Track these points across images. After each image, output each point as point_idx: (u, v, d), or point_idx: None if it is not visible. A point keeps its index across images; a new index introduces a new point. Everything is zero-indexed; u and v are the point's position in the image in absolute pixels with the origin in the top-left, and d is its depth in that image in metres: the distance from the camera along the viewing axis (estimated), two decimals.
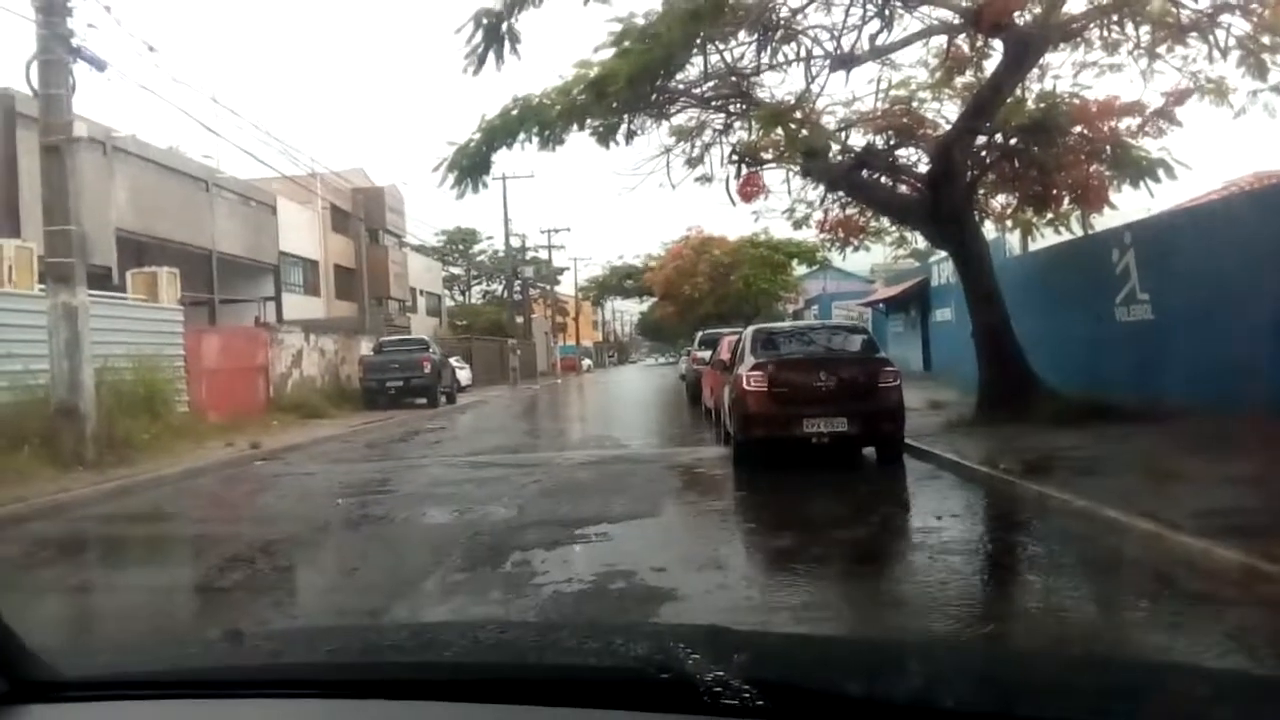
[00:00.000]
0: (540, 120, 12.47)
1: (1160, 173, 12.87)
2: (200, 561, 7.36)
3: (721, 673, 1.14)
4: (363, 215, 38.90)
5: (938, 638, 4.24)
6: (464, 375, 32.64)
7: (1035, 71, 12.70)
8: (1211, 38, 10.96)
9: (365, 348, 26.64)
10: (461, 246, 69.96)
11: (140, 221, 22.81)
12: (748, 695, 1.09)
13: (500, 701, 1.19)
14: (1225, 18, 10.80)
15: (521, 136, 12.69)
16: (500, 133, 12.72)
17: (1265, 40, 10.77)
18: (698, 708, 1.10)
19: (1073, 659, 2.14)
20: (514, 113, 12.61)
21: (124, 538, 8.80)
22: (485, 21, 11.17)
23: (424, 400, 24.37)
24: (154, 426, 13.77)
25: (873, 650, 1.73)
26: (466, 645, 1.50)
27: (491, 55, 11.29)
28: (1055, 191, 14.02)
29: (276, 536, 7.94)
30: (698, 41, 11.50)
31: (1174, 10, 10.96)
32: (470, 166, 13.03)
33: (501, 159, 13.43)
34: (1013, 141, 13.56)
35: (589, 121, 12.69)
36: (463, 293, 71.08)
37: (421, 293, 49.31)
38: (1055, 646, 4.31)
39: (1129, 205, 14.39)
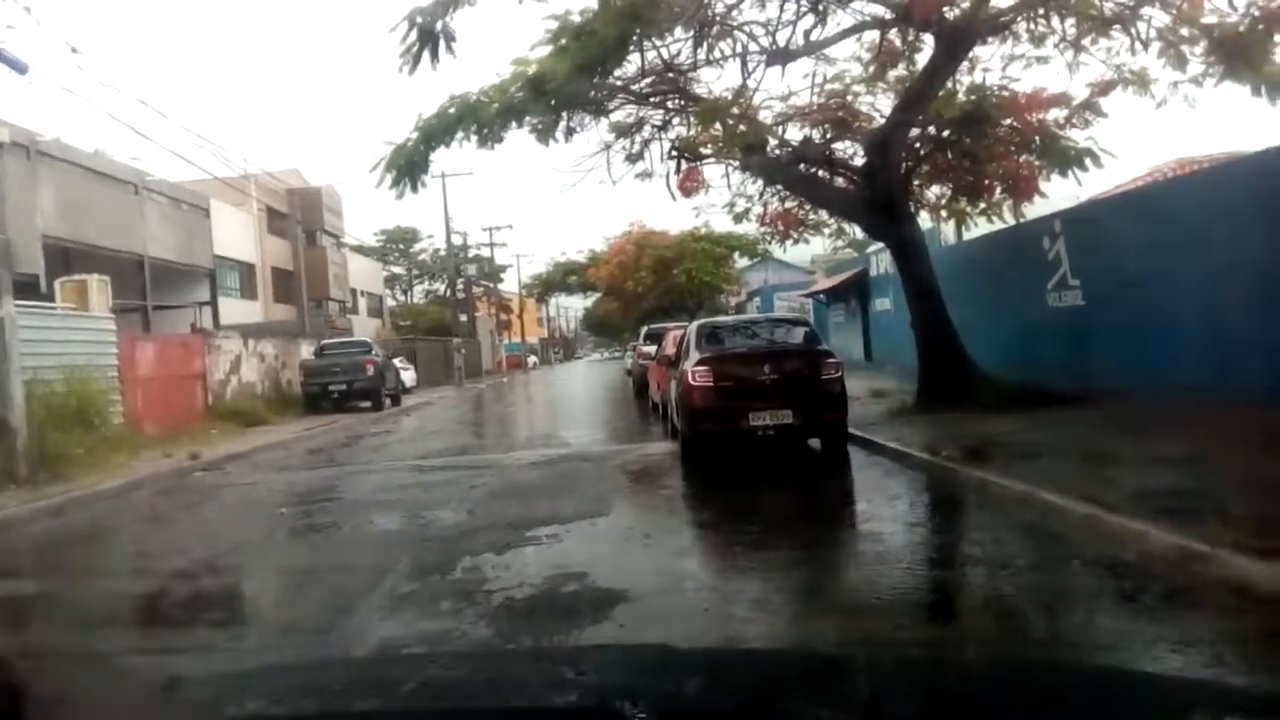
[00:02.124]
0: (478, 119, 12.38)
1: (1087, 162, 13.21)
2: (139, 581, 7.18)
3: (658, 717, 1.14)
4: (299, 216, 38.22)
5: (884, 647, 4.30)
6: (408, 376, 32.29)
7: (965, 64, 12.94)
8: (1133, 30, 11.26)
9: (306, 351, 26.21)
10: (402, 246, 69.22)
11: (68, 227, 22.16)
12: None
13: None
14: (1146, 10, 11.10)
15: (460, 135, 12.60)
16: (438, 132, 12.61)
17: (1184, 33, 11.09)
18: None
19: (1016, 665, 2.19)
20: (451, 111, 12.50)
21: (58, 558, 8.55)
22: (419, 21, 11.04)
23: (368, 403, 24.05)
24: (88, 440, 13.41)
25: (822, 664, 1.75)
26: (413, 686, 1.48)
27: (426, 55, 11.16)
28: (987, 181, 14.34)
29: (218, 551, 7.79)
30: (634, 38, 11.51)
31: (1097, 4, 11.23)
32: (408, 166, 12.90)
33: (440, 157, 13.33)
34: (945, 133, 13.81)
35: (528, 119, 12.63)
36: (405, 292, 70.35)
37: (362, 294, 48.69)
38: (997, 640, 4.41)
39: (1058, 194, 14.79)
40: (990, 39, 12.32)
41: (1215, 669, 3.69)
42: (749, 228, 19.60)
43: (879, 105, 14.36)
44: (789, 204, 16.54)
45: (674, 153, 14.48)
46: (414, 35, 11.07)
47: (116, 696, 1.60)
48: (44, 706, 1.50)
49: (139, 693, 1.67)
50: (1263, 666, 3.79)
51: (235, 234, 33.83)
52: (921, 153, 14.31)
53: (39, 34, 31.83)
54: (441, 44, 11.15)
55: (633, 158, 14.56)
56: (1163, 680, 2.23)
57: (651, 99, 13.93)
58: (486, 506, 8.95)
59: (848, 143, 14.75)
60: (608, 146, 14.31)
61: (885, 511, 7.66)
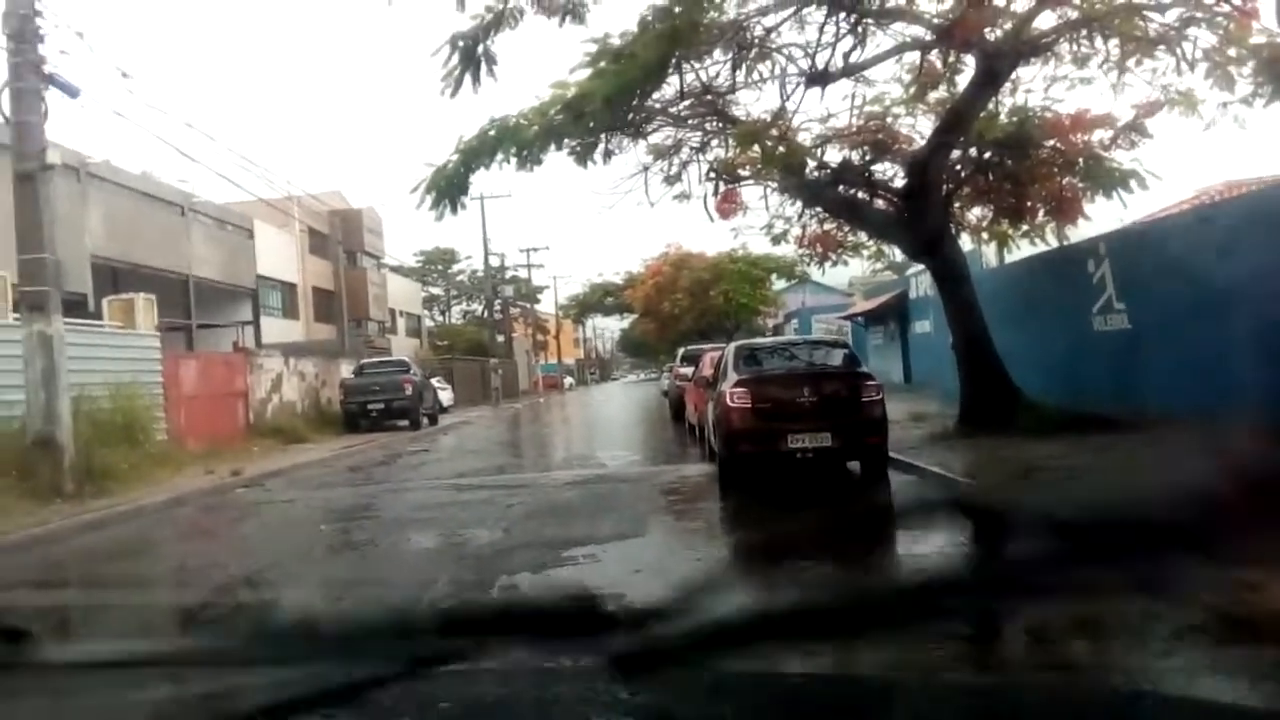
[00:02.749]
0: (517, 141, 12.48)
1: (1132, 183, 13.03)
2: (180, 594, 7.24)
3: None
4: (340, 237, 38.74)
5: (924, 673, 4.22)
6: (445, 396, 32.51)
7: (1007, 86, 12.85)
8: (1179, 51, 11.11)
9: (345, 370, 26.50)
10: (440, 267, 69.86)
11: (116, 248, 22.65)
12: None
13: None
14: (1192, 31, 10.96)
15: (499, 157, 12.69)
16: (478, 154, 12.72)
17: (1231, 53, 10.93)
18: None
19: (1057, 691, 2.13)
20: (491, 134, 12.61)
21: (102, 571, 8.67)
22: (461, 44, 11.19)
23: (405, 422, 24.23)
24: (133, 455, 13.63)
25: (857, 690, 1.71)
26: (449, 702, 1.49)
27: (468, 78, 11.30)
28: (1030, 204, 14.18)
29: (259, 566, 7.86)
30: (673, 61, 11.55)
31: (1142, 24, 11.12)
32: (448, 187, 13.01)
33: (479, 179, 13.43)
34: (987, 155, 13.70)
35: (566, 141, 12.71)
36: (443, 313, 70.91)
37: (401, 314, 49.16)
38: (1041, 670, 4.31)
39: (1102, 216, 14.57)
40: (1032, 60, 12.23)
41: (1261, 698, 3.58)
42: (787, 249, 19.54)
43: (919, 127, 14.30)
44: (827, 226, 16.46)
45: (712, 174, 14.50)
46: (456, 59, 11.21)
47: (143, 704, 1.59)
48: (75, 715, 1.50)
49: (168, 702, 1.66)
50: None
51: (278, 254, 34.37)
52: (963, 174, 14.21)
53: (91, 59, 32.61)
54: (482, 67, 11.28)
55: (670, 179, 14.62)
56: (1210, 706, 2.16)
57: (690, 121, 13.97)
58: (523, 526, 8.95)
59: (887, 164, 14.68)
60: (645, 168, 14.38)
61: (927, 536, 7.53)
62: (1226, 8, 10.64)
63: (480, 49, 11.24)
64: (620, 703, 1.37)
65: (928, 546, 7.06)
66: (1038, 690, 2.26)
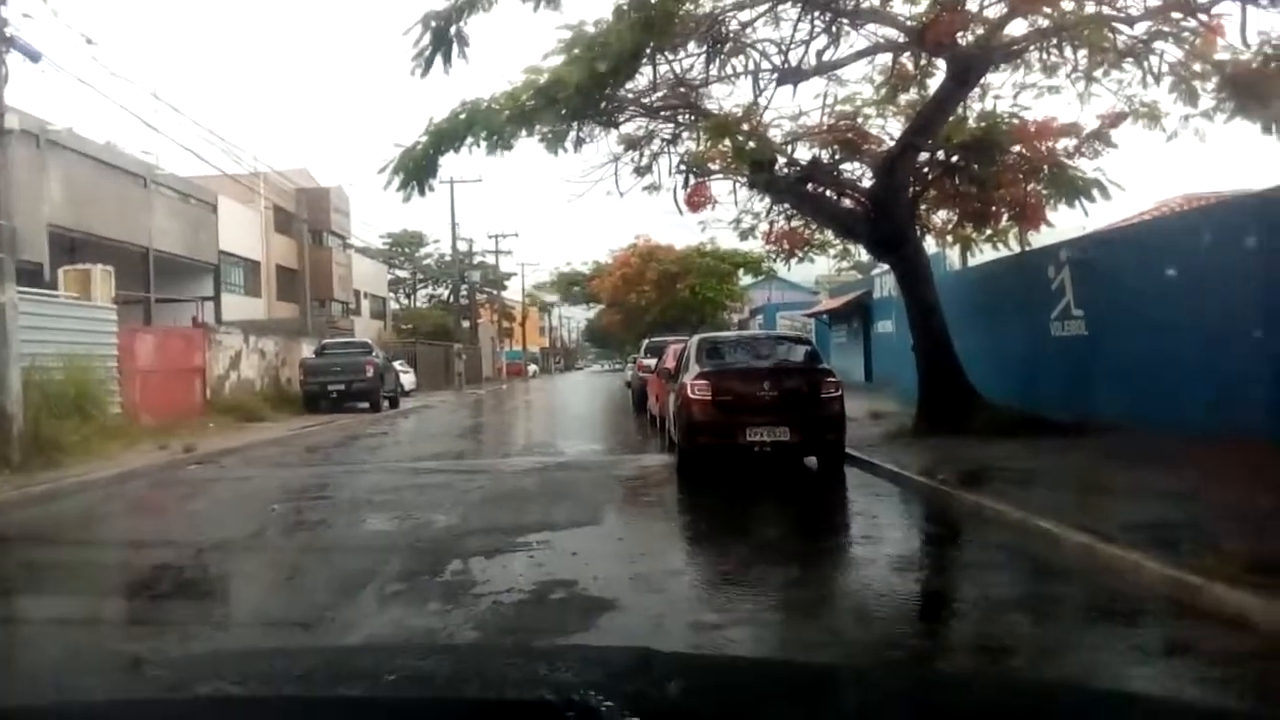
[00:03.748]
0: (488, 125, 12.38)
1: (1095, 193, 13.20)
2: (126, 570, 7.16)
3: (629, 713, 1.11)
4: (306, 216, 38.30)
5: (872, 661, 4.28)
6: (408, 380, 32.28)
7: (976, 91, 12.97)
8: (1146, 64, 11.29)
9: (306, 350, 26.20)
10: (407, 250, 69.22)
11: (74, 217, 22.21)
12: None
13: None
14: (1159, 45, 11.12)
15: (469, 140, 12.58)
16: (448, 136, 12.60)
17: (1196, 68, 11.12)
18: None
19: (1008, 683, 2.16)
20: (462, 116, 12.50)
21: (47, 544, 8.50)
22: (433, 24, 11.06)
23: (366, 404, 24.03)
24: (84, 428, 13.39)
25: (805, 676, 1.72)
26: (378, 677, 1.45)
27: (439, 58, 11.17)
28: (994, 209, 14.35)
29: (208, 544, 7.75)
30: (647, 51, 11.53)
31: (1110, 36, 11.26)
32: (416, 169, 12.87)
33: (449, 163, 13.30)
34: (954, 159, 13.82)
35: (538, 128, 12.62)
36: (408, 296, 70.32)
37: (366, 295, 48.72)
38: (989, 663, 4.37)
39: (1065, 223, 14.76)
40: (1002, 66, 12.35)
41: (1204, 696, 3.66)
42: (754, 245, 19.62)
43: (889, 128, 14.38)
44: (795, 223, 16.54)
45: (682, 167, 14.49)
46: (427, 38, 11.08)
47: (88, 675, 1.57)
48: (14, 682, 1.48)
49: (111, 671, 1.64)
50: (1255, 695, 3.76)
51: (241, 231, 33.90)
52: (929, 177, 14.33)
53: (54, 24, 31.87)
54: (454, 48, 11.16)
55: (641, 170, 14.57)
56: (1150, 701, 2.21)
57: (662, 112, 13.94)
58: (479, 511, 8.92)
59: (856, 164, 14.76)
60: (616, 158, 14.33)
61: (878, 533, 7.63)
62: (1193, 23, 10.81)
63: (453, 30, 11.12)
64: (554, 678, 1.36)
65: (876, 549, 7.14)
66: (995, 682, 2.29)
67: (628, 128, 14.16)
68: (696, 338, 12.69)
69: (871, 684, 1.69)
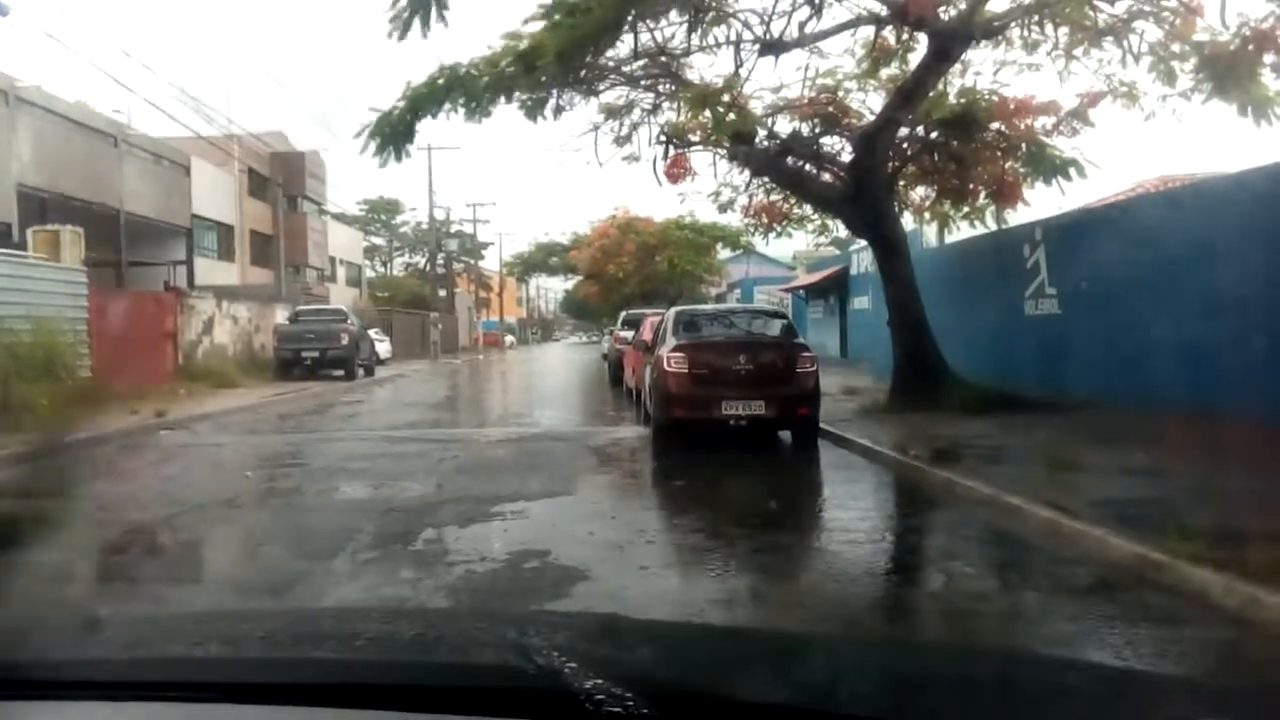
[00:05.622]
0: (467, 91, 12.26)
1: (1072, 172, 13.29)
2: (94, 535, 7.09)
3: (601, 680, 1.11)
4: (281, 180, 37.79)
5: (840, 631, 4.32)
6: (383, 348, 32.12)
7: (957, 67, 12.96)
8: (1125, 43, 11.32)
9: (281, 316, 25.99)
10: (384, 217, 68.67)
11: (43, 177, 21.81)
12: (631, 704, 1.07)
13: (366, 706, 1.14)
14: (1139, 24, 11.15)
15: (447, 106, 12.47)
16: (426, 101, 12.47)
17: (1175, 48, 11.15)
18: (579, 715, 1.08)
19: (974, 652, 2.18)
20: (440, 82, 12.37)
21: (11, 509, 8.41)
22: None
23: (341, 372, 23.91)
24: (53, 392, 13.22)
25: (774, 644, 1.73)
26: (343, 639, 1.44)
27: (418, 21, 11.00)
28: (972, 186, 14.40)
29: (178, 510, 7.71)
30: (628, 19, 11.41)
31: (1091, 14, 11.27)
32: (393, 134, 12.75)
33: (427, 129, 13.19)
34: (933, 135, 13.83)
35: (517, 94, 12.51)
36: (384, 264, 69.85)
37: (341, 262, 48.27)
38: (955, 636, 4.43)
39: (1041, 202, 14.84)
40: (983, 42, 12.33)
41: (1164, 667, 3.73)
42: (733, 219, 19.59)
43: (870, 103, 14.36)
44: (774, 197, 16.54)
45: (662, 138, 14.41)
46: (405, 0, 10.93)
47: (44, 633, 1.55)
48: None
49: (68, 629, 1.61)
50: (1214, 667, 3.84)
51: (215, 194, 33.40)
52: (909, 153, 14.34)
53: None
54: (433, 11, 11.00)
55: (621, 140, 14.49)
56: (1110, 669, 2.24)
57: (643, 82, 13.84)
58: (453, 480, 8.91)
59: (836, 138, 14.74)
60: (596, 128, 14.24)
61: (848, 507, 7.70)
62: (1173, 3, 10.84)
63: None
64: (523, 643, 1.36)
65: (847, 522, 7.20)
66: (961, 650, 2.31)
67: (608, 97, 14.09)
68: (674, 310, 12.69)
69: (838, 652, 1.70)
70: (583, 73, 12.65)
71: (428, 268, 54.05)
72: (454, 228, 58.97)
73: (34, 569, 5.85)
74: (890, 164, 13.77)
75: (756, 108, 13.95)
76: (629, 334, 19.41)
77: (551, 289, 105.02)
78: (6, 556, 6.22)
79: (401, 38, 10.99)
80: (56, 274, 15.95)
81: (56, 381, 13.75)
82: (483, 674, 1.25)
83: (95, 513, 8.16)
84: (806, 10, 11.94)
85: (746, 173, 15.36)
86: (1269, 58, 10.32)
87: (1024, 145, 13.51)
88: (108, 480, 10.12)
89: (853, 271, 26.10)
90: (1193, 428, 8.68)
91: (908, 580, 5.63)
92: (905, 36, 12.93)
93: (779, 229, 17.42)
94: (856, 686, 1.33)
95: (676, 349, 10.43)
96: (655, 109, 14.40)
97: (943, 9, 11.52)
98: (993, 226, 15.22)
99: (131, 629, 1.64)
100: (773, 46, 12.15)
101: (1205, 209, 10.27)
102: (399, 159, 13.06)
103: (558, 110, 13.28)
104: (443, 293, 51.00)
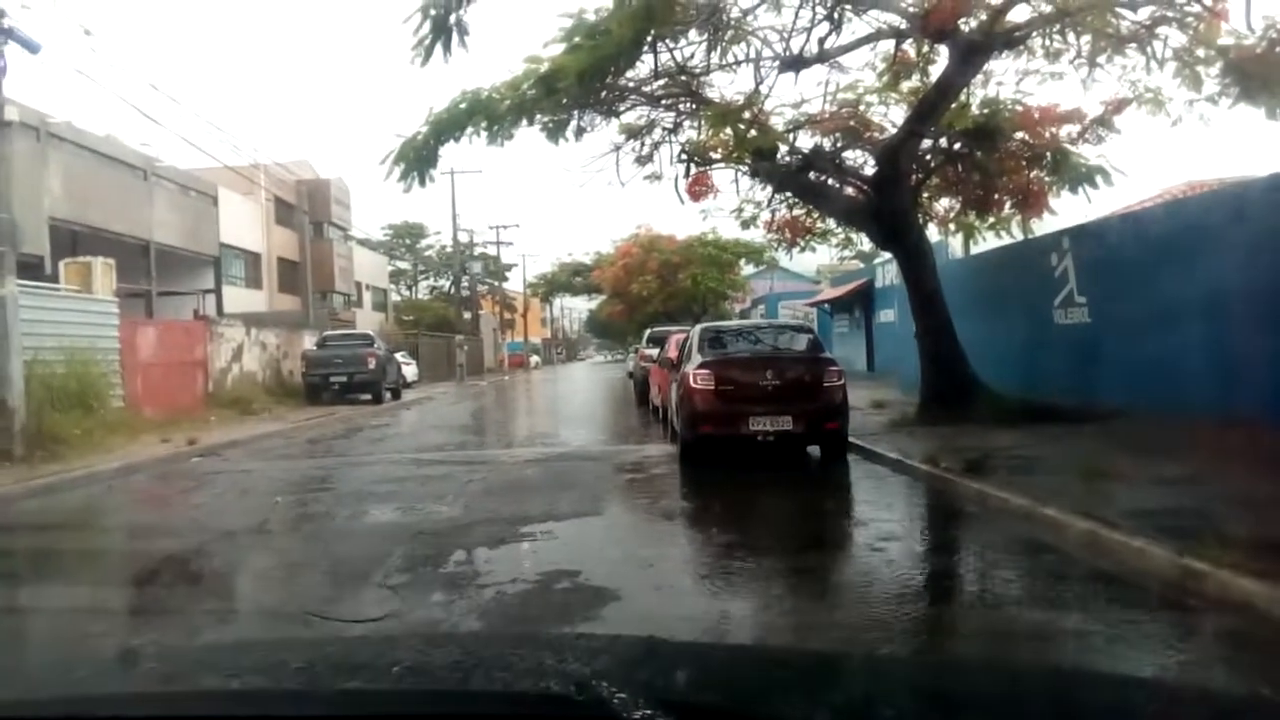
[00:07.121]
0: (489, 114, 12.36)
1: (1098, 179, 13.17)
2: (130, 563, 7.15)
3: (642, 703, 1.09)
4: (307, 207, 38.24)
5: (880, 650, 4.26)
6: (410, 371, 32.30)
7: (979, 78, 12.91)
8: (1149, 49, 11.23)
9: (308, 342, 26.20)
10: (408, 241, 69.21)
11: (75, 210, 22.18)
12: None
13: None
14: (1162, 30, 11.06)
15: (470, 130, 12.58)
16: (448, 126, 12.58)
17: (1200, 53, 11.05)
18: None
19: (1016, 671, 2.14)
20: (462, 106, 12.48)
21: (50, 537, 8.51)
22: (433, 12, 11.01)
23: (368, 396, 24.05)
24: (86, 421, 13.40)
25: (814, 664, 1.70)
26: (380, 668, 1.43)
27: (439, 47, 11.12)
28: (997, 196, 14.30)
29: (211, 537, 7.74)
30: (648, 39, 11.47)
31: (1114, 21, 11.20)
32: (417, 159, 12.87)
33: (450, 153, 13.29)
34: (956, 146, 13.77)
35: (538, 117, 12.61)
36: (409, 288, 70.31)
37: (367, 287, 48.69)
38: (994, 650, 4.36)
39: (1068, 211, 14.72)
40: (1005, 53, 12.29)
41: (1209, 682, 3.64)
42: (756, 234, 19.63)
43: (891, 115, 14.34)
44: (796, 211, 16.51)
45: (683, 156, 14.45)
46: (427, 27, 11.03)
47: (84, 667, 1.55)
48: (11, 675, 1.46)
49: (107, 663, 1.61)
50: (1259, 681, 3.75)
51: (242, 223, 33.86)
52: (932, 164, 14.29)
53: (53, 14, 31.76)
54: (454, 37, 11.10)
55: (642, 160, 14.54)
56: (1155, 685, 2.18)
57: (663, 101, 13.90)
58: (482, 502, 8.90)
59: (858, 152, 14.71)
60: (618, 148, 14.30)
61: (881, 522, 7.61)
62: (1197, 8, 10.75)
63: (452, 18, 11.06)
64: (560, 668, 1.34)
65: (880, 538, 7.12)
66: (1000, 669, 2.27)
67: (629, 117, 14.14)
68: (699, 327, 12.67)
69: (876, 671, 1.68)
70: (603, 94, 12.72)
71: (452, 290, 54.38)
72: (478, 250, 59.38)
73: (68, 597, 5.90)
74: (913, 176, 13.72)
75: (777, 123, 13.96)
76: (654, 352, 19.39)
77: (575, 309, 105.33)
78: (43, 586, 6.29)
79: (424, 63, 11.10)
80: (88, 305, 16.19)
81: (89, 411, 13.93)
82: (527, 703, 1.24)
83: (129, 541, 8.24)
84: (826, 26, 11.96)
85: (769, 189, 15.36)
86: None
87: (1049, 154, 13.42)
88: (141, 508, 10.22)
89: (878, 284, 25.96)
90: (1228, 436, 8.54)
91: (948, 597, 5.55)
92: (926, 49, 12.91)
93: (802, 243, 17.38)
94: (899, 707, 1.31)
95: (702, 366, 10.40)
96: (676, 128, 14.45)
97: (963, 20, 11.49)
98: (1019, 236, 15.11)
99: (167, 662, 1.64)
100: (793, 63, 12.16)
101: (1236, 213, 10.14)
102: (423, 183, 13.18)
103: (579, 131, 13.35)
104: (467, 315, 51.28)
